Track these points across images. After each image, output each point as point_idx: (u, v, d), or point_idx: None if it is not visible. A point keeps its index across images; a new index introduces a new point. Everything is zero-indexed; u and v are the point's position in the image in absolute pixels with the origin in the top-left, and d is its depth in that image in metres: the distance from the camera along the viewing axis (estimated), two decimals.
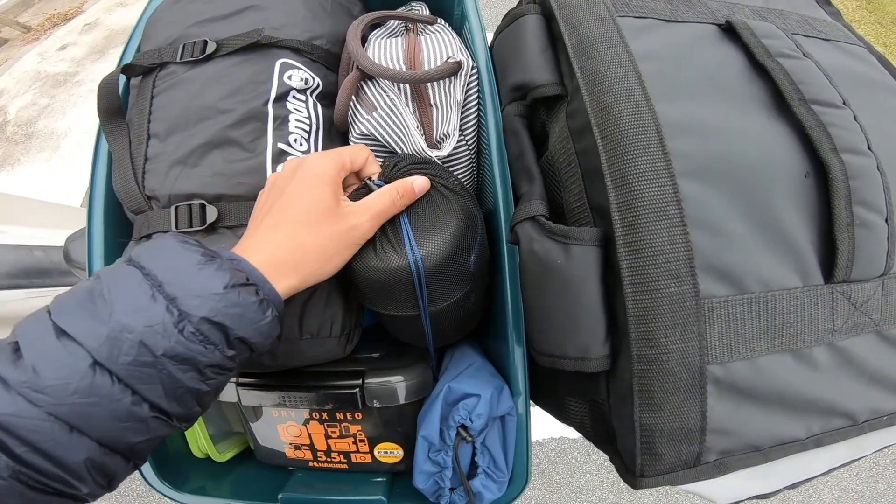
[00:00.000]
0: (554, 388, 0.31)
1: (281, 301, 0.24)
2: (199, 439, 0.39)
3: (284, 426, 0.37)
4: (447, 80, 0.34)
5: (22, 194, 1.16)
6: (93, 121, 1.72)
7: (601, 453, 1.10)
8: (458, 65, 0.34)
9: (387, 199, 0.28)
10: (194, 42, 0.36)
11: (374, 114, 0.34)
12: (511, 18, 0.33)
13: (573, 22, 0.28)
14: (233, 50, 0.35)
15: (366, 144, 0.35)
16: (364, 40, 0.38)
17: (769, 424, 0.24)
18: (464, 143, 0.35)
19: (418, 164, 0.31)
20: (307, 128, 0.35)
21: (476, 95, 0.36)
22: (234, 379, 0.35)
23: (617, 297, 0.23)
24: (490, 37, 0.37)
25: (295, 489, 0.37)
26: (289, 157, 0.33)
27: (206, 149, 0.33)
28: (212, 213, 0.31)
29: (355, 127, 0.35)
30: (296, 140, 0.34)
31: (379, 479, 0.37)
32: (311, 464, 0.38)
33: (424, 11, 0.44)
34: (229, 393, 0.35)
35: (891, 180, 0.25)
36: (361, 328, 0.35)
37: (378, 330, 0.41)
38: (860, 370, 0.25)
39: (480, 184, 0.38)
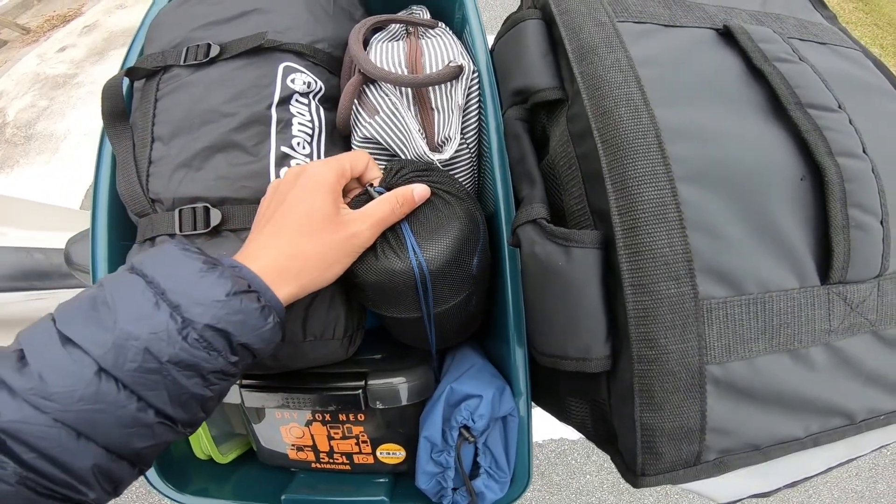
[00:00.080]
0: (555, 388, 0.31)
1: (282, 307, 0.25)
2: (201, 441, 0.39)
3: (287, 427, 0.37)
4: (448, 83, 0.34)
5: (21, 196, 1.16)
6: (92, 123, 1.73)
7: (601, 454, 1.10)
8: (460, 68, 0.34)
9: (387, 207, 0.28)
10: (198, 45, 0.36)
11: (377, 117, 0.34)
12: (512, 23, 0.33)
13: (573, 27, 0.28)
14: (236, 53, 0.35)
15: (368, 148, 0.36)
16: (366, 44, 0.39)
17: (768, 424, 0.24)
18: (465, 146, 0.36)
19: (420, 172, 0.31)
20: (310, 131, 0.35)
21: (477, 99, 0.36)
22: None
23: (617, 299, 0.23)
24: (490, 39, 0.38)
25: (297, 490, 0.37)
26: (292, 161, 0.33)
27: (210, 152, 0.33)
28: (216, 217, 0.31)
29: (357, 130, 0.35)
30: (299, 143, 0.34)
31: (381, 480, 0.37)
32: (313, 465, 0.38)
33: (425, 15, 0.44)
34: (232, 395, 0.35)
35: (886, 183, 0.25)
36: (364, 330, 0.36)
37: (380, 332, 0.41)
38: (857, 370, 0.26)
39: (481, 186, 0.39)
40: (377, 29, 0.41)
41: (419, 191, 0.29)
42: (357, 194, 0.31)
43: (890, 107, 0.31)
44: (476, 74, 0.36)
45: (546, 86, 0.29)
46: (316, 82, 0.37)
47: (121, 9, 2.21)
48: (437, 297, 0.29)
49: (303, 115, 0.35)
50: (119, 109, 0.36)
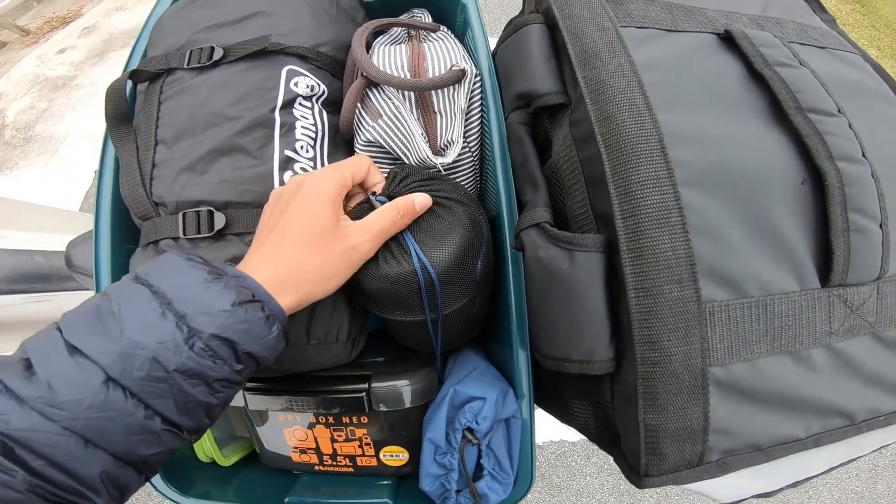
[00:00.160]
0: (558, 390, 0.31)
1: (285, 316, 0.25)
2: (204, 444, 0.39)
3: (290, 430, 0.37)
4: (451, 87, 0.35)
5: (21, 198, 1.16)
6: (91, 125, 1.73)
7: (601, 456, 1.10)
8: (462, 72, 0.34)
9: (388, 218, 0.28)
10: (201, 48, 0.36)
11: (380, 121, 0.34)
12: (515, 28, 0.33)
13: (577, 32, 0.28)
14: (240, 56, 0.35)
15: (371, 151, 0.36)
16: (368, 47, 0.39)
17: (770, 424, 0.25)
18: (467, 149, 0.36)
19: (423, 181, 0.31)
20: (313, 135, 0.35)
21: (479, 103, 0.36)
22: None
23: (621, 302, 0.24)
24: (491, 42, 0.38)
25: (301, 493, 0.37)
26: (295, 165, 0.33)
27: (214, 155, 0.33)
28: (220, 220, 0.31)
29: (360, 134, 0.35)
30: (302, 147, 0.34)
31: (384, 483, 0.38)
32: (316, 468, 0.38)
33: (427, 18, 0.44)
34: (236, 398, 0.35)
35: (885, 187, 0.26)
36: (366, 333, 0.36)
37: (382, 334, 0.41)
38: (857, 371, 0.26)
39: (483, 189, 0.39)
40: (379, 32, 0.41)
41: (421, 201, 0.29)
42: (359, 203, 0.31)
43: (888, 111, 0.31)
44: (478, 78, 0.36)
45: (549, 90, 0.30)
46: (319, 86, 0.37)
47: (120, 10, 2.21)
48: (442, 300, 0.29)
49: (306, 118, 0.36)
50: (122, 112, 0.36)
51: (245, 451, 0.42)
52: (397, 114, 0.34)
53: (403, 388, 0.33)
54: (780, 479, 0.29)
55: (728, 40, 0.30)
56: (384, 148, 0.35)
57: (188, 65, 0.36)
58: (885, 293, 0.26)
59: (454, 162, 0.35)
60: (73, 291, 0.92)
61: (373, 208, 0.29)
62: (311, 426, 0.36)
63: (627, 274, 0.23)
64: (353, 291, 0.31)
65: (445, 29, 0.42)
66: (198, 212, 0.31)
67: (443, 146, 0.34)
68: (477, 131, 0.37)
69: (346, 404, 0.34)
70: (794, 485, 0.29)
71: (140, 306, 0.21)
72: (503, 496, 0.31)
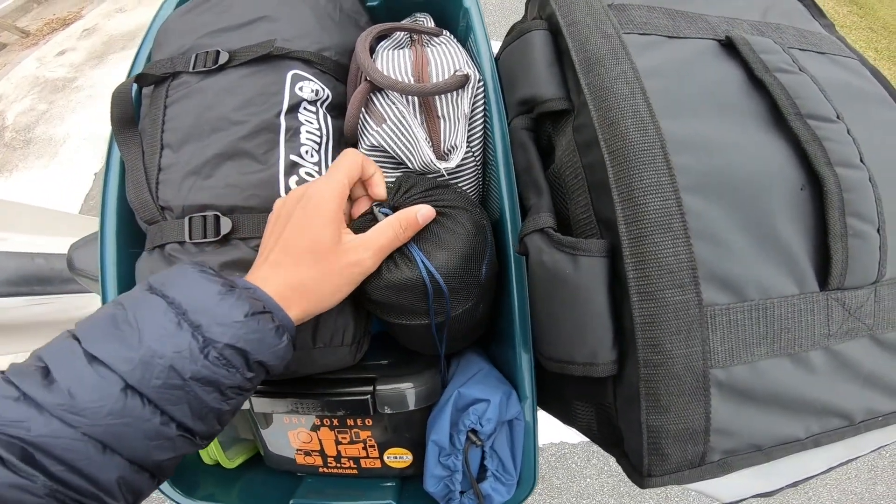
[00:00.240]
0: (561, 392, 0.32)
1: (294, 326, 0.26)
2: (208, 446, 0.40)
3: (295, 432, 0.37)
4: (455, 92, 0.35)
5: (21, 200, 1.16)
6: (92, 127, 1.73)
7: (601, 458, 1.11)
8: (466, 77, 0.35)
9: (390, 233, 0.28)
10: (207, 52, 0.36)
11: (384, 125, 0.35)
12: (518, 33, 0.34)
13: (580, 39, 0.28)
14: (245, 61, 0.36)
15: (375, 155, 0.36)
16: (371, 51, 0.39)
17: (770, 425, 0.25)
18: (471, 154, 0.36)
19: (427, 191, 0.31)
20: (318, 139, 0.36)
21: (482, 107, 0.37)
22: None
23: (623, 306, 0.24)
24: (493, 45, 0.38)
25: (305, 495, 0.37)
26: (301, 169, 0.34)
27: (220, 160, 0.33)
28: (226, 225, 0.31)
29: (365, 139, 0.36)
30: (307, 152, 0.35)
31: (388, 484, 0.38)
32: (320, 469, 0.38)
33: (429, 23, 0.45)
34: None
35: (882, 191, 0.26)
36: (370, 336, 0.36)
37: (385, 337, 0.42)
38: (855, 372, 0.26)
39: (486, 194, 0.39)
40: (382, 37, 0.42)
41: (424, 213, 0.29)
42: (363, 214, 0.31)
43: (887, 115, 0.32)
44: (481, 83, 0.36)
45: (552, 96, 0.30)
46: (323, 90, 0.37)
47: (120, 12, 2.22)
48: (444, 305, 0.29)
49: (311, 122, 0.36)
50: (128, 116, 0.37)
51: (249, 454, 0.43)
52: (401, 118, 0.34)
53: (407, 390, 0.34)
54: (781, 479, 0.29)
55: (729, 46, 0.31)
56: (388, 152, 0.35)
57: (194, 68, 0.36)
58: (883, 296, 0.27)
59: (458, 166, 0.35)
60: (74, 294, 0.92)
61: (376, 219, 0.29)
62: (315, 428, 0.36)
63: (630, 278, 0.23)
64: (358, 292, 0.31)
65: (448, 33, 0.42)
66: (204, 216, 0.32)
67: (446, 151, 0.35)
68: (480, 136, 0.37)
69: (351, 407, 0.34)
70: (794, 484, 0.30)
71: (156, 316, 0.22)
72: (507, 497, 0.32)
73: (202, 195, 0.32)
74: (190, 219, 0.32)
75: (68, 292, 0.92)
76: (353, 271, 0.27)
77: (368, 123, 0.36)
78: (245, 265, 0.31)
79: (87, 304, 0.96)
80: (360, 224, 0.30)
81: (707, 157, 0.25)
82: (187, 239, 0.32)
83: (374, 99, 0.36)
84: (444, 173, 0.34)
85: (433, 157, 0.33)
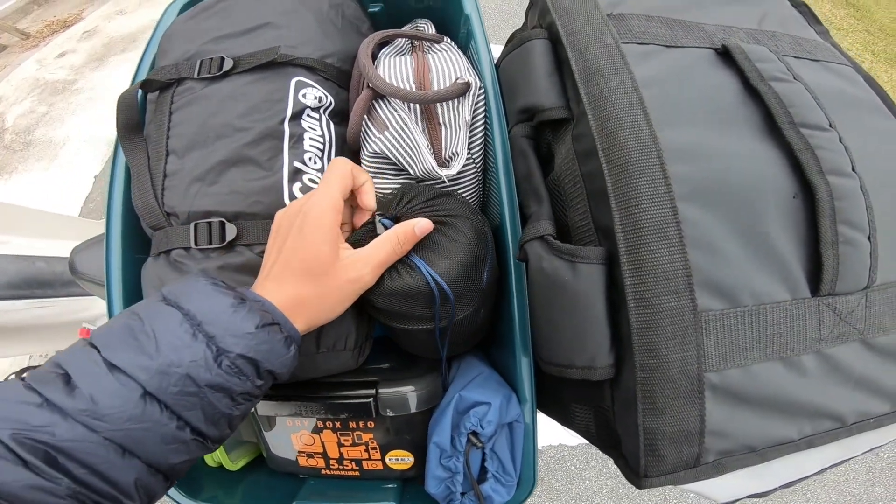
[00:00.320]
0: (560, 395, 0.32)
1: (300, 336, 0.27)
2: None
3: (298, 435, 0.38)
4: (456, 99, 0.35)
5: (21, 203, 1.16)
6: (91, 129, 1.73)
7: (600, 460, 1.11)
8: (467, 85, 0.35)
9: (388, 248, 0.29)
10: (211, 58, 0.37)
11: (386, 132, 0.35)
12: (519, 42, 0.34)
13: (580, 48, 0.29)
14: (249, 67, 0.36)
15: (377, 162, 0.37)
16: (373, 58, 0.40)
17: (763, 427, 0.26)
18: (471, 161, 0.37)
19: (428, 201, 0.31)
20: (321, 146, 0.36)
21: (483, 115, 0.37)
22: None
23: (621, 312, 0.25)
24: (493, 49, 0.39)
25: (308, 497, 0.38)
26: (304, 176, 0.34)
27: (225, 166, 0.33)
28: (231, 231, 0.32)
29: (367, 146, 0.36)
30: (310, 158, 0.35)
31: (390, 486, 0.38)
32: (323, 472, 0.39)
33: (430, 29, 0.45)
34: None
35: (874, 199, 0.27)
36: (372, 339, 0.37)
37: (387, 341, 0.42)
38: (846, 376, 0.27)
39: (486, 200, 0.40)
40: (384, 43, 0.42)
41: (421, 227, 0.29)
42: (364, 224, 0.32)
43: (879, 123, 0.32)
44: (482, 91, 0.37)
45: (552, 105, 0.31)
46: (326, 97, 0.38)
47: (121, 14, 2.22)
48: (449, 310, 0.30)
49: (314, 129, 0.36)
50: (134, 122, 0.37)
51: (252, 456, 0.43)
52: (403, 125, 0.35)
53: (409, 393, 0.34)
54: (775, 480, 0.30)
55: (725, 55, 0.31)
56: (390, 159, 0.36)
57: (198, 75, 0.36)
58: (874, 301, 0.27)
59: (458, 173, 0.36)
60: (75, 297, 0.92)
61: (376, 232, 0.30)
62: (318, 431, 0.37)
63: (627, 285, 0.24)
64: (362, 303, 0.31)
65: (449, 40, 0.43)
66: (209, 223, 0.32)
67: (447, 158, 0.35)
68: (481, 143, 0.37)
69: (354, 409, 0.34)
70: (788, 485, 0.30)
71: (173, 327, 0.23)
72: (506, 498, 0.32)
73: (207, 201, 0.33)
74: (195, 225, 0.32)
75: (69, 295, 0.92)
76: (353, 287, 0.28)
77: (371, 130, 0.36)
78: (249, 270, 0.32)
79: (87, 306, 0.97)
80: (361, 235, 0.31)
81: (703, 166, 0.25)
82: (193, 245, 0.32)
83: (377, 106, 0.36)
84: (445, 180, 0.35)
85: (434, 164, 0.33)
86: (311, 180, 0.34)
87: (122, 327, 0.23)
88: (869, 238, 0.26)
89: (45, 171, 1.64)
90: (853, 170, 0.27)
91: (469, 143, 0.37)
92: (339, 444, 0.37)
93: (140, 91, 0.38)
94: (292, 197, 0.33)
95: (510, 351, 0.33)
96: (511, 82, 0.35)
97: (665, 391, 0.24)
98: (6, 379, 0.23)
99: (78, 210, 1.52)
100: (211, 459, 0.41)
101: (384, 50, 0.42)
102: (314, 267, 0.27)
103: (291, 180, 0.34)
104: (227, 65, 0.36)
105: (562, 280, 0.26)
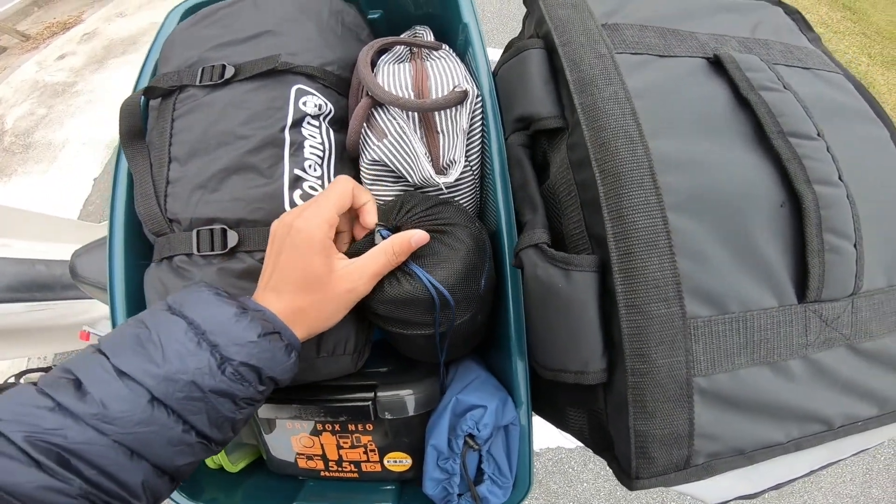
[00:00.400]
0: (555, 399, 0.33)
1: (300, 344, 0.28)
2: None
3: (297, 437, 0.38)
4: (454, 108, 0.36)
5: (20, 206, 1.16)
6: (91, 132, 1.73)
7: (597, 463, 1.11)
8: (465, 93, 0.36)
9: (382, 258, 0.29)
10: (213, 66, 0.37)
11: (385, 140, 0.36)
12: (516, 51, 0.35)
13: (574, 59, 0.30)
14: (250, 75, 0.36)
15: (376, 170, 0.37)
16: (372, 65, 0.40)
17: (752, 430, 0.26)
18: (469, 168, 0.37)
19: (426, 210, 0.32)
20: (321, 153, 0.37)
21: (480, 123, 0.38)
22: None
23: (613, 318, 0.25)
24: (490, 53, 0.39)
25: (307, 498, 0.38)
26: (304, 183, 0.35)
27: (226, 174, 0.34)
28: (233, 238, 0.32)
29: (366, 153, 0.37)
30: (310, 166, 0.36)
31: (388, 488, 0.39)
32: (322, 473, 0.39)
33: (429, 36, 0.46)
34: None
35: (860, 207, 0.27)
36: (371, 343, 0.37)
37: (386, 345, 0.43)
38: (833, 380, 0.28)
39: (483, 207, 0.40)
40: (382, 50, 0.43)
41: (417, 238, 0.30)
42: (364, 235, 0.32)
43: (867, 130, 0.33)
44: (480, 99, 0.37)
45: (547, 114, 0.31)
46: (326, 105, 0.38)
47: (121, 17, 2.22)
48: (448, 316, 0.31)
49: (314, 137, 0.37)
50: (136, 128, 0.38)
51: (252, 458, 0.44)
52: (401, 133, 0.35)
53: (407, 396, 0.35)
54: (764, 481, 0.31)
55: (717, 64, 0.32)
56: (388, 167, 0.36)
57: (200, 82, 0.37)
58: (860, 307, 0.28)
59: (456, 181, 0.36)
60: (74, 300, 0.93)
61: (374, 243, 0.30)
62: (317, 433, 0.37)
63: (619, 292, 0.24)
64: (361, 308, 0.32)
65: (447, 47, 0.43)
66: (211, 230, 0.33)
67: (445, 165, 0.36)
68: (478, 150, 0.38)
69: (353, 412, 0.35)
70: (778, 486, 0.31)
71: (178, 336, 0.24)
72: (503, 499, 0.33)
73: (209, 208, 0.33)
74: (198, 232, 0.33)
75: (68, 298, 0.92)
76: (349, 296, 0.29)
77: (370, 138, 0.37)
78: (250, 276, 0.32)
79: (86, 309, 0.97)
80: (361, 245, 0.32)
81: (692, 175, 0.26)
82: (195, 251, 0.32)
83: (376, 114, 0.37)
84: (443, 188, 0.35)
85: (432, 171, 0.34)
86: (312, 187, 0.35)
87: (130, 336, 0.24)
88: (855, 246, 0.26)
89: (44, 174, 1.64)
90: (840, 178, 0.27)
91: (466, 151, 0.37)
92: (339, 447, 0.38)
93: (142, 97, 0.39)
94: (293, 204, 0.34)
95: (506, 355, 0.34)
96: (508, 91, 0.36)
97: (655, 395, 0.24)
98: (6, 381, 0.24)
99: (77, 213, 1.52)
100: (211, 461, 0.41)
101: (383, 57, 0.43)
102: (310, 279, 0.28)
103: (292, 187, 0.34)
104: (229, 72, 0.37)
105: (556, 287, 0.26)
